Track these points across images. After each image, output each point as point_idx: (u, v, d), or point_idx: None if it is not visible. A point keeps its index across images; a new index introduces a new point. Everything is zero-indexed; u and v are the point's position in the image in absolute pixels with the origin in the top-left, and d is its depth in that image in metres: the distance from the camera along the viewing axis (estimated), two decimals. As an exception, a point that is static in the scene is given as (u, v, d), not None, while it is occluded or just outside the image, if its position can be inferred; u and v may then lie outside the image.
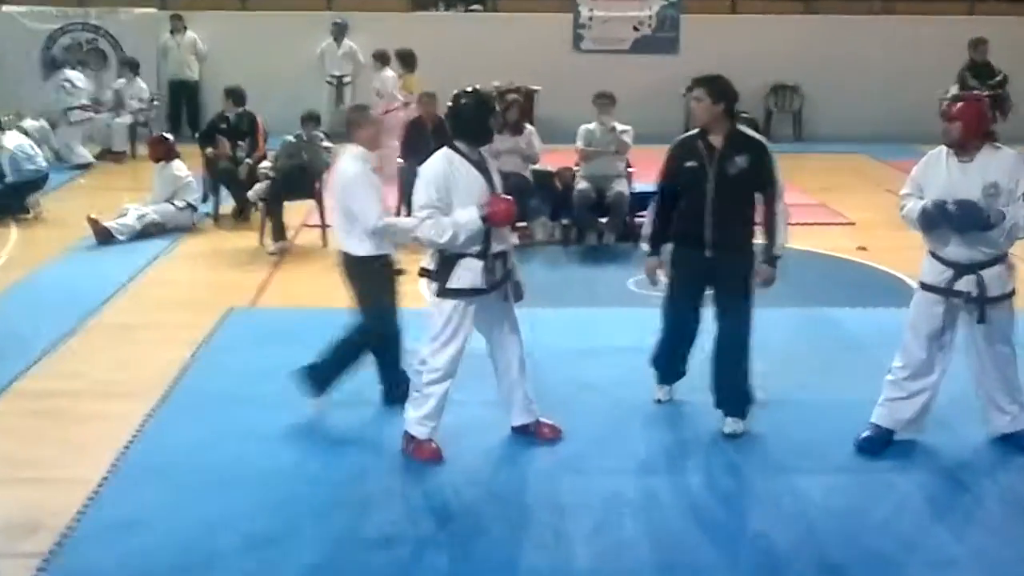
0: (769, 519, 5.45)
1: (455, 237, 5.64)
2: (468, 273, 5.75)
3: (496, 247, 5.79)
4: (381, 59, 14.34)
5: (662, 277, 6.43)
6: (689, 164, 6.13)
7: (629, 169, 10.90)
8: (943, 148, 5.90)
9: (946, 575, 5.01)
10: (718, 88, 6.09)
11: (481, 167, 5.80)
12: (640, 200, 10.69)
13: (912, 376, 6.04)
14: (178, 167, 11.30)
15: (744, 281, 6.17)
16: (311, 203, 11.03)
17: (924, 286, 6.00)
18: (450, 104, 5.85)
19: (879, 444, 6.11)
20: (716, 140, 6.09)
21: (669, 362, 6.65)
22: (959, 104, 5.86)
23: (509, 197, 5.82)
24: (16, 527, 5.27)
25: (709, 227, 6.07)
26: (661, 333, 6.57)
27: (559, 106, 15.41)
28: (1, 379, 7.04)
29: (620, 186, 10.61)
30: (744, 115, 16.58)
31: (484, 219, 5.64)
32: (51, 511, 5.38)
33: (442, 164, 5.73)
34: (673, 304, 6.44)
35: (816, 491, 5.69)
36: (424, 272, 5.92)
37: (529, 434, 6.20)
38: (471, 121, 5.77)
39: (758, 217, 6.18)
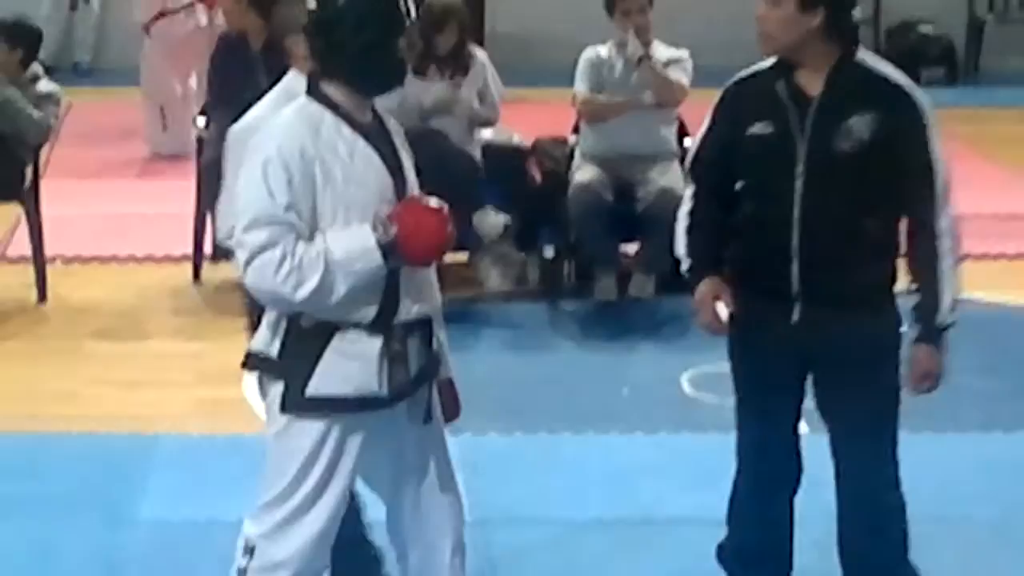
0: None
1: (326, 288, 5.48)
2: (350, 364, 5.67)
3: (408, 311, 5.73)
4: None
5: (724, 311, 6.41)
6: (757, 129, 6.14)
7: (685, 141, 10.96)
8: None
9: None
10: None
11: (378, 139, 5.74)
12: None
13: None
14: None
15: (880, 371, 6.19)
16: (15, 211, 11.18)
17: None
18: (313, 8, 5.76)
19: None
20: (811, 80, 6.12)
21: (753, 545, 6.63)
22: None
23: (437, 201, 5.69)
24: None
25: (797, 261, 6.10)
26: (736, 483, 6.59)
27: (537, 13, 15.61)
28: None
29: (665, 176, 10.62)
30: (927, 33, 16.81)
31: (386, 249, 5.54)
32: None
33: (297, 132, 5.63)
34: (749, 420, 6.48)
35: None
36: (254, 362, 5.84)
37: None
38: (359, 45, 5.67)
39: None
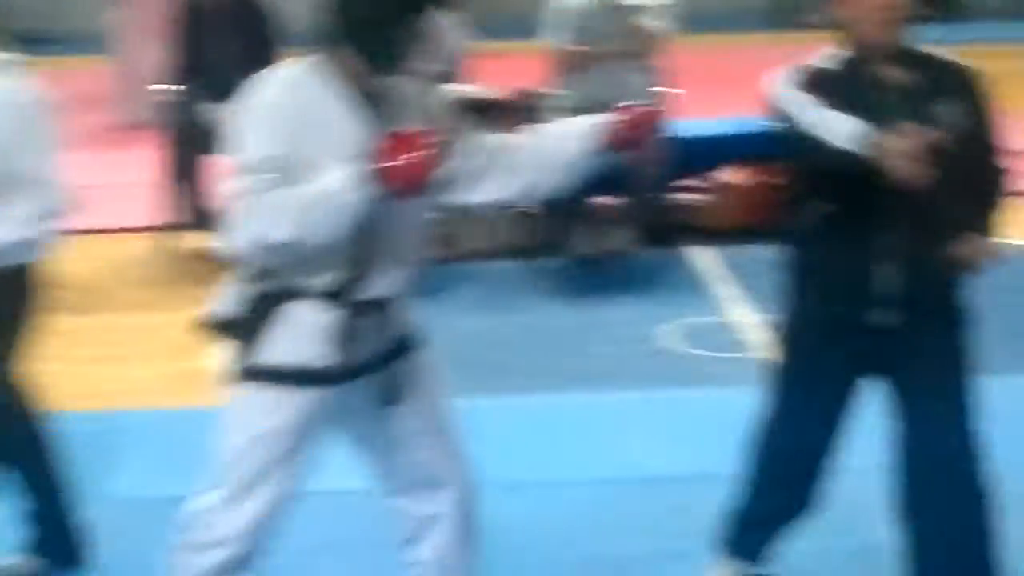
0: None
1: (309, 224, 5.41)
2: (299, 335, 5.67)
3: (374, 288, 5.71)
4: None
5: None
6: None
7: (664, 90, 10.94)
8: None
9: None
10: None
11: (376, 104, 5.71)
12: (689, 153, 10.91)
13: None
14: None
15: (961, 357, 6.25)
16: None
17: None
18: None
19: None
20: (894, 71, 6.12)
21: (766, 517, 6.64)
22: None
23: (417, 129, 5.53)
24: None
25: (889, 266, 6.12)
26: (758, 455, 6.56)
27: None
28: None
29: (645, 126, 10.59)
30: None
31: (368, 174, 5.38)
32: None
33: (282, 92, 5.66)
34: (796, 400, 6.45)
35: None
36: (215, 325, 5.81)
37: None
38: (371, 18, 5.69)
39: None
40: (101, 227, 11.50)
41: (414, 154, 5.46)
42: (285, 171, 5.49)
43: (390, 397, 5.86)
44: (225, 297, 5.74)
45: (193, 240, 11.01)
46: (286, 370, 5.64)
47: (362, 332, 5.70)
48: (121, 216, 11.70)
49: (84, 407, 8.65)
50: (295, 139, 5.52)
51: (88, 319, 10.16)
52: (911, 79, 6.06)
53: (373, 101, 5.69)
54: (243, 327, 5.69)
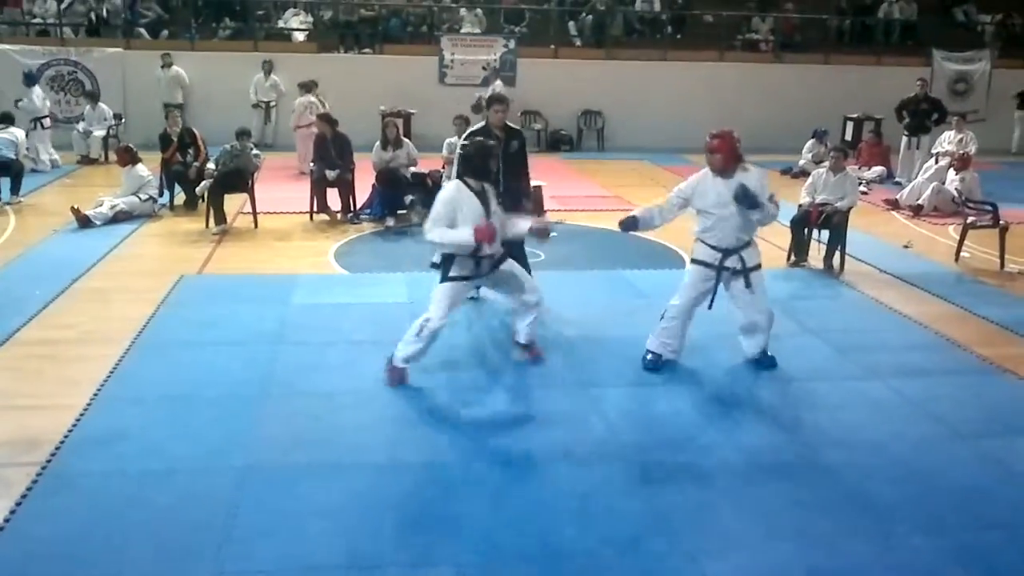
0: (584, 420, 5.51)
1: (447, 245, 5.52)
2: (463, 266, 5.61)
3: (485, 252, 5.61)
4: (305, 87, 14.01)
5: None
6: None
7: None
8: (707, 171, 5.91)
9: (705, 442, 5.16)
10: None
11: (482, 197, 5.56)
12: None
13: (680, 321, 6.15)
14: (141, 169, 10.83)
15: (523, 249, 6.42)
16: (245, 196, 10.70)
17: (697, 262, 6.11)
18: (460, 150, 5.63)
19: (657, 364, 6.23)
20: (499, 132, 6.35)
21: None
22: (716, 139, 5.79)
23: (494, 224, 5.54)
24: (18, 443, 5.08)
25: (502, 186, 6.14)
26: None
27: (429, 125, 15.41)
28: (5, 330, 6.74)
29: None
30: (562, 132, 16.29)
31: (473, 235, 5.47)
32: (46, 430, 5.20)
33: (451, 192, 5.55)
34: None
35: (618, 398, 5.81)
36: (434, 265, 5.88)
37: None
38: (475, 163, 5.58)
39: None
40: (291, 211, 11.11)
41: (485, 232, 5.42)
42: (446, 222, 5.42)
43: (495, 267, 5.70)
44: (437, 255, 5.70)
45: (320, 218, 10.59)
46: (459, 276, 5.60)
47: (482, 265, 5.61)
48: (297, 207, 11.19)
49: (286, 272, 8.44)
50: (453, 210, 5.46)
51: (286, 244, 9.71)
52: (505, 134, 6.26)
53: (480, 195, 5.55)
54: (444, 264, 5.62)
